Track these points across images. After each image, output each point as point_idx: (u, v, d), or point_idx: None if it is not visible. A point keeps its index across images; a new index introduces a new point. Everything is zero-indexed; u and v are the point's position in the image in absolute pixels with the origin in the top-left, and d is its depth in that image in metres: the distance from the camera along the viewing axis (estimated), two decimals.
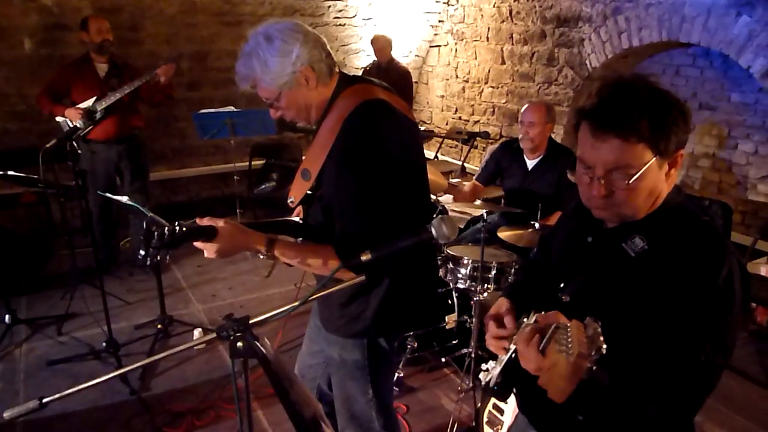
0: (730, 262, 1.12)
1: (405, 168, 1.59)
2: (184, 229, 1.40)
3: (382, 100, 1.59)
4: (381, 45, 5.64)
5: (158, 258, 1.38)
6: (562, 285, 1.37)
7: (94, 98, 3.95)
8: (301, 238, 1.71)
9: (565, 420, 1.28)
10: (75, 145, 3.13)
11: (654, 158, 1.12)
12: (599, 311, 1.22)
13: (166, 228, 1.38)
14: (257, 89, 1.58)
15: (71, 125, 3.85)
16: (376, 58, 5.76)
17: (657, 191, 1.19)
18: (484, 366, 1.47)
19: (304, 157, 1.67)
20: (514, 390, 1.46)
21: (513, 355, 1.42)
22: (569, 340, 0.98)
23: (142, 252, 1.37)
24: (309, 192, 1.63)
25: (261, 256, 1.57)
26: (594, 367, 0.95)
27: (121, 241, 4.73)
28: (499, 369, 1.38)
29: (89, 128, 3.85)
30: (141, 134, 4.37)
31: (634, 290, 1.19)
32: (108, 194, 3.13)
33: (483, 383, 1.45)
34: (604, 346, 0.96)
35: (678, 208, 1.23)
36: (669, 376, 1.11)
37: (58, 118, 3.97)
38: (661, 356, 1.12)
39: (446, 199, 3.59)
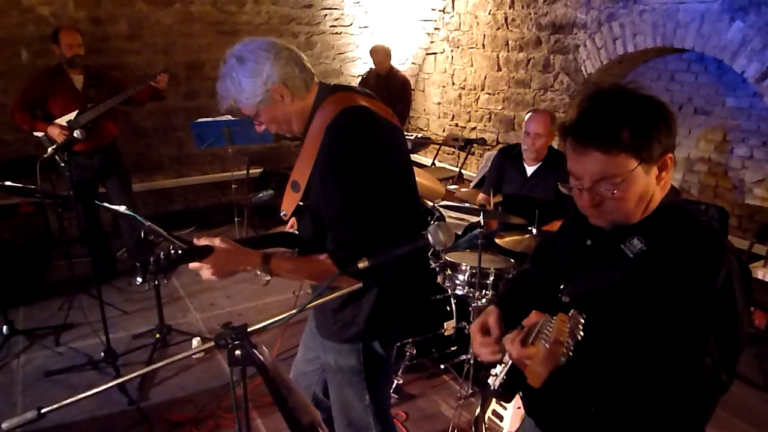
0: (728, 262, 1.13)
1: (389, 171, 1.61)
2: (180, 252, 1.41)
3: (362, 106, 1.61)
4: (380, 57, 5.66)
5: (156, 282, 1.39)
6: (562, 286, 1.38)
7: (76, 112, 3.91)
8: (297, 249, 1.72)
9: (574, 418, 1.30)
10: (57, 157, 3.11)
11: (638, 165, 1.14)
12: (599, 312, 1.24)
13: (162, 252, 1.39)
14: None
15: (55, 140, 3.77)
16: (374, 67, 5.78)
17: (648, 195, 1.20)
18: (493, 371, 1.47)
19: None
20: (521, 394, 1.47)
21: None
22: (551, 330, 1.05)
23: (139, 279, 1.39)
24: (300, 203, 1.64)
25: (258, 273, 1.58)
26: (570, 353, 1.00)
27: (117, 250, 4.73)
28: (503, 372, 1.39)
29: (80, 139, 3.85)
30: (117, 141, 4.40)
31: (632, 291, 1.20)
32: (105, 204, 3.13)
33: (491, 388, 1.46)
34: (582, 334, 1.02)
35: (676, 208, 1.24)
36: (673, 380, 1.12)
37: (38, 134, 3.92)
38: (664, 361, 1.12)
39: (443, 205, 3.60)
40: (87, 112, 3.93)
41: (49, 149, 3.20)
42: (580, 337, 1.02)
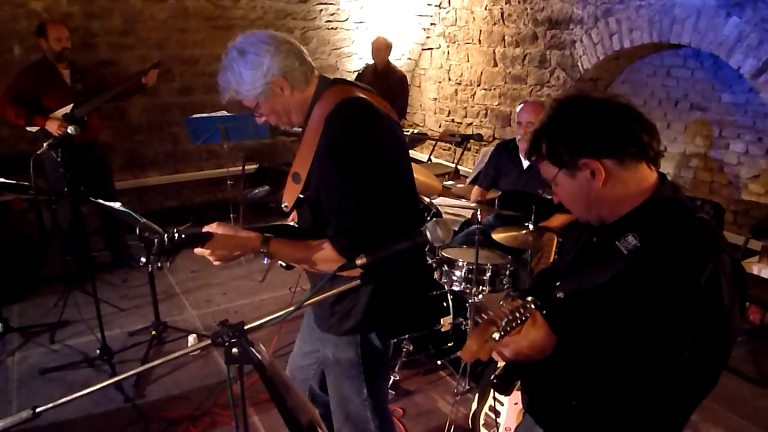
0: (717, 259, 1.13)
1: (388, 160, 1.62)
2: (183, 236, 1.44)
3: (360, 98, 1.63)
4: (378, 47, 5.62)
5: (159, 265, 1.41)
6: (558, 283, 1.40)
7: (71, 106, 3.91)
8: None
9: (570, 416, 1.32)
10: (53, 153, 3.12)
11: (558, 171, 1.27)
12: (591, 308, 1.26)
13: (166, 235, 1.42)
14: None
15: (52, 134, 3.77)
16: (373, 60, 5.75)
17: (586, 198, 1.27)
18: (500, 363, 1.48)
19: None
20: (522, 391, 1.48)
21: None
22: (496, 311, 1.16)
23: (143, 259, 1.42)
24: (301, 195, 1.65)
25: (254, 255, 1.62)
26: (504, 332, 1.11)
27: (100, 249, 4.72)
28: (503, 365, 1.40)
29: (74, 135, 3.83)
30: (101, 137, 4.45)
31: (622, 287, 1.21)
32: (100, 201, 3.11)
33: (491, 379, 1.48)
34: (526, 316, 1.15)
35: (673, 204, 1.25)
36: (650, 373, 1.14)
37: (32, 128, 3.90)
38: (642, 354, 1.14)
39: (440, 201, 3.59)
40: (83, 106, 3.94)
41: (45, 144, 3.17)
42: (522, 319, 1.14)
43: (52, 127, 3.83)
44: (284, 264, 1.78)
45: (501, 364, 1.46)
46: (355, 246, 1.47)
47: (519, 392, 1.52)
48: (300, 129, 1.69)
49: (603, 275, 1.26)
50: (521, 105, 3.37)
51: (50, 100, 3.95)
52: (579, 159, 1.23)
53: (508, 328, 1.11)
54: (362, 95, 1.65)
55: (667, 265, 1.14)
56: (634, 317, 1.16)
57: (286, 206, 1.70)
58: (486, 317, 1.15)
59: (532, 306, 1.16)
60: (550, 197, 1.40)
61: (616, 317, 1.19)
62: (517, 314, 1.13)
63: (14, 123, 3.98)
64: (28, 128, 3.91)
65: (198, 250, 1.55)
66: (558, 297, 1.37)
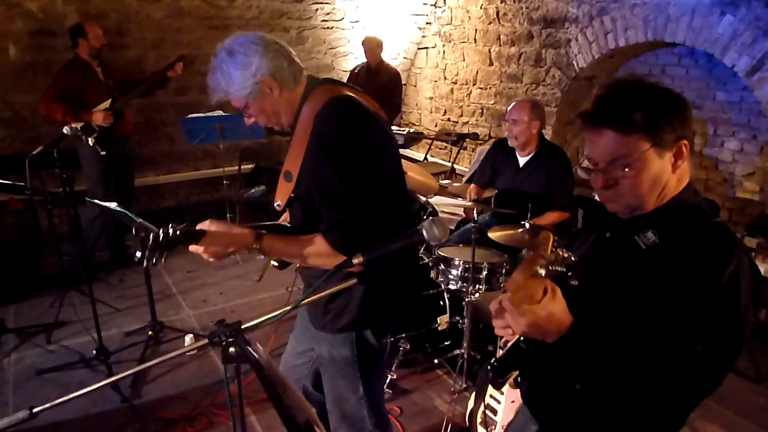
0: (738, 260, 1.14)
1: (379, 155, 1.63)
2: (178, 232, 1.45)
3: (349, 96, 1.65)
4: (370, 46, 5.64)
5: (154, 260, 1.42)
6: (570, 273, 1.40)
7: (110, 100, 4.10)
8: None
9: (566, 402, 1.32)
10: (95, 145, 3.34)
11: (650, 147, 1.18)
12: (607, 296, 1.26)
13: (161, 230, 1.43)
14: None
15: (95, 128, 4.02)
16: (366, 60, 5.76)
17: (662, 181, 1.22)
18: (501, 351, 1.48)
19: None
20: (520, 378, 1.48)
21: (521, 338, 1.44)
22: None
23: (138, 254, 1.42)
24: (292, 194, 1.66)
25: (248, 252, 1.62)
26: (549, 268, 1.09)
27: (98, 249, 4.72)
28: (506, 349, 1.40)
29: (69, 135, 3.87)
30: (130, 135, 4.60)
31: (640, 281, 1.21)
32: (96, 200, 3.11)
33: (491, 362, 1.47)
34: (564, 266, 1.12)
35: (693, 207, 1.26)
36: (662, 361, 1.13)
37: (76, 125, 4.00)
38: (656, 342, 1.14)
39: (437, 200, 3.60)
40: (119, 100, 4.15)
41: (90, 140, 3.60)
42: (564, 267, 1.11)
43: (99, 119, 4.03)
44: (277, 263, 1.79)
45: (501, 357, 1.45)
46: (348, 239, 1.49)
47: (515, 390, 1.52)
48: (290, 129, 1.70)
49: (619, 267, 1.27)
50: (512, 104, 3.42)
51: (90, 96, 4.11)
52: (681, 140, 1.20)
53: (551, 268, 1.09)
54: (350, 93, 1.66)
55: (689, 260, 1.15)
56: (651, 307, 1.16)
57: (278, 205, 1.70)
58: (532, 253, 1.11)
59: (572, 258, 1.14)
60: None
61: (632, 306, 1.20)
62: (563, 257, 1.11)
63: (61, 120, 4.04)
64: (74, 125, 4.00)
65: (192, 247, 1.55)
66: (572, 285, 1.37)
